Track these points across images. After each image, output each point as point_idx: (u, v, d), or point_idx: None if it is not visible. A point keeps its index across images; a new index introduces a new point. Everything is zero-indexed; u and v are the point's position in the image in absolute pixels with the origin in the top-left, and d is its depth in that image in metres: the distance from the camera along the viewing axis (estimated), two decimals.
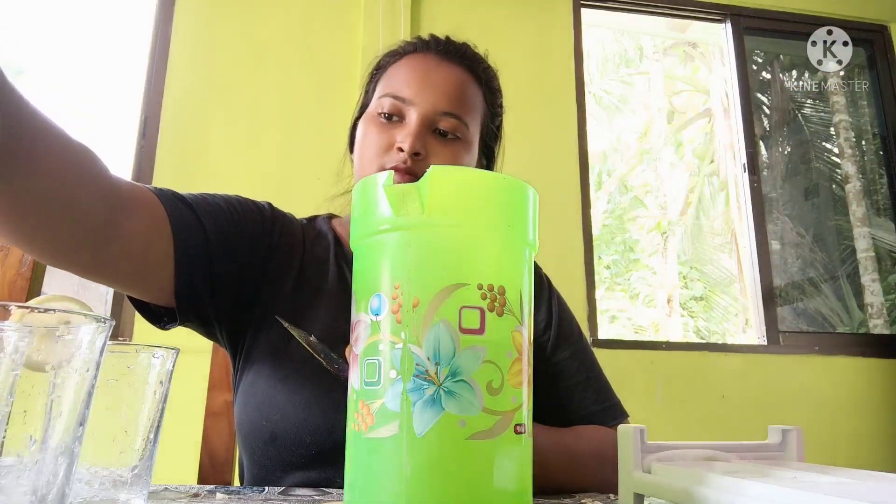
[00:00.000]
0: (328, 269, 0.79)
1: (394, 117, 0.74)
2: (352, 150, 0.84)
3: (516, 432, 0.38)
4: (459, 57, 0.79)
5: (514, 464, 0.38)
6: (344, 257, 0.81)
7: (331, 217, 0.89)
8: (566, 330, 0.84)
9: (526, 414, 0.40)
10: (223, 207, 0.76)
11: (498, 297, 0.40)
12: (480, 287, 0.39)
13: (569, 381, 0.81)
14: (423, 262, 0.39)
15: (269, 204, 0.83)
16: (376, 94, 0.78)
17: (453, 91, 0.75)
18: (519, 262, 0.43)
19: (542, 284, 0.88)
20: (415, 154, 0.71)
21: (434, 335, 0.37)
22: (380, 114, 0.75)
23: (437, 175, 0.40)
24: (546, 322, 0.84)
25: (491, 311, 0.39)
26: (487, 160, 0.86)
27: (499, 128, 0.87)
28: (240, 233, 0.74)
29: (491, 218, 0.41)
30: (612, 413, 0.80)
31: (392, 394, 0.37)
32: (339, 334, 0.72)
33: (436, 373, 0.37)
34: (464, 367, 0.37)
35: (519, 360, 0.40)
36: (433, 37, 0.81)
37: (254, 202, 0.81)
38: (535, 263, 0.88)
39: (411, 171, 0.71)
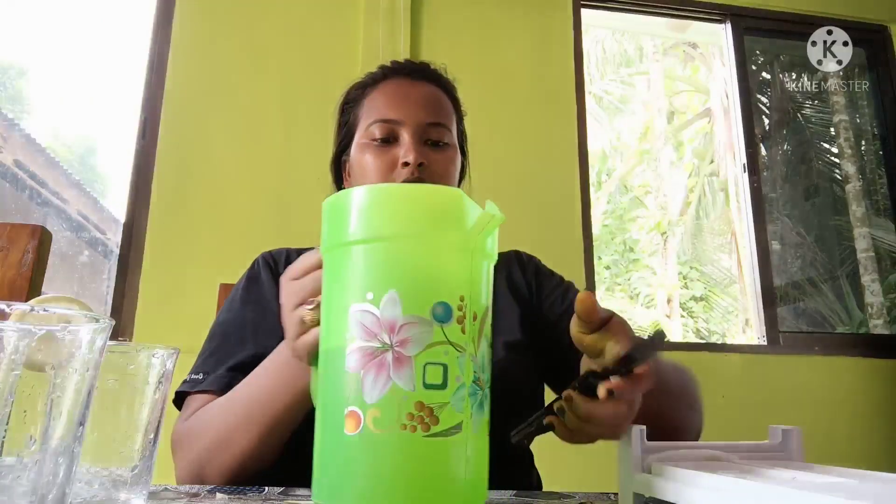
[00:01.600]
0: None
1: (387, 140, 0.81)
2: (338, 184, 0.91)
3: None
4: (426, 75, 0.87)
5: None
6: None
7: None
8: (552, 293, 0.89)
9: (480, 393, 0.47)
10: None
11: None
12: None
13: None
14: (477, 281, 0.43)
15: (261, 266, 0.89)
16: (362, 125, 0.84)
17: (433, 104, 0.84)
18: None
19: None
20: (419, 165, 0.78)
21: (482, 348, 0.43)
22: (373, 140, 0.81)
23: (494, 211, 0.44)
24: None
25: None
26: (463, 157, 0.93)
27: (464, 130, 0.95)
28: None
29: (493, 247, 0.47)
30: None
31: (457, 398, 0.40)
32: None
33: (483, 380, 0.43)
34: (489, 375, 0.44)
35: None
36: (396, 62, 0.89)
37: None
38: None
39: (420, 181, 0.77)
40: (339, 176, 0.91)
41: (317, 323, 0.49)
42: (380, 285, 0.41)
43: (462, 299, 0.41)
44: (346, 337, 0.41)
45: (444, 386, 0.40)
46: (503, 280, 0.90)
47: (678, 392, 0.69)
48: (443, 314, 0.41)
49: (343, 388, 0.40)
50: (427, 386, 0.39)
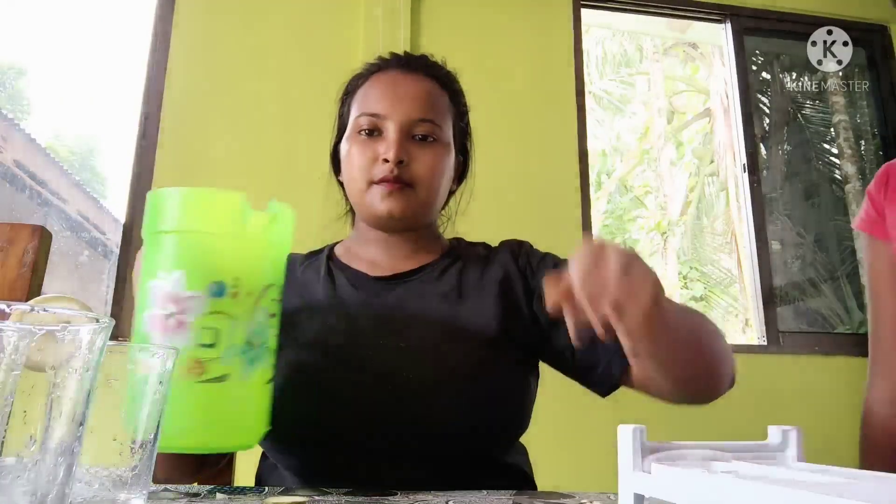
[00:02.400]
0: (318, 285, 0.85)
1: (373, 132, 0.80)
2: (336, 173, 0.92)
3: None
4: (421, 67, 0.85)
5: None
6: (331, 269, 0.86)
7: (337, 242, 0.94)
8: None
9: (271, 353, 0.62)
10: None
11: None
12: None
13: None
14: (254, 265, 0.57)
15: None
16: (352, 116, 0.83)
17: (422, 98, 0.81)
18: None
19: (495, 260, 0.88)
20: (399, 162, 0.77)
21: (259, 317, 0.57)
22: (359, 132, 0.81)
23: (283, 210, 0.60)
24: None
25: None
26: (463, 156, 0.92)
27: (467, 125, 0.92)
28: None
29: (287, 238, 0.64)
30: None
31: (227, 354, 0.54)
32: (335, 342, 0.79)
33: (258, 343, 0.57)
34: (267, 339, 0.59)
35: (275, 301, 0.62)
36: (394, 54, 0.88)
37: None
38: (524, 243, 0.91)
39: (399, 179, 0.78)
40: (337, 165, 0.91)
41: None
42: (170, 266, 0.55)
43: (237, 279, 0.55)
44: (146, 305, 0.55)
45: (213, 345, 0.53)
46: (494, 273, 0.85)
47: (689, 330, 0.69)
48: (217, 290, 0.54)
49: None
50: (202, 345, 0.53)
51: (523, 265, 0.86)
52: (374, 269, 0.85)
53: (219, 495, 0.57)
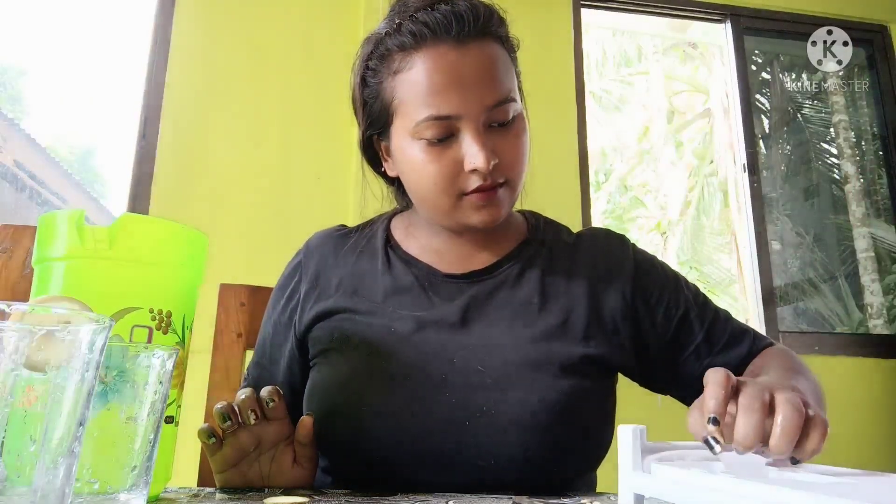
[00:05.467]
0: (377, 280, 0.74)
1: (444, 137, 0.65)
2: (375, 165, 0.78)
3: (166, 422, 0.54)
4: (468, 29, 0.66)
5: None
6: (392, 261, 0.76)
7: (391, 217, 0.82)
8: (657, 314, 0.74)
9: (176, 409, 0.57)
10: (266, 347, 0.80)
11: (165, 319, 0.55)
12: (151, 311, 0.54)
13: (693, 349, 0.73)
14: (107, 288, 0.53)
15: (301, 258, 0.80)
16: (406, 112, 0.66)
17: (492, 76, 0.66)
18: (187, 293, 0.59)
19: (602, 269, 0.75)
20: (491, 168, 0.65)
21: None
22: (428, 140, 0.66)
23: (126, 222, 0.54)
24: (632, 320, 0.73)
25: (158, 329, 0.55)
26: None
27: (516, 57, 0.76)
28: (283, 346, 0.78)
29: (167, 258, 0.56)
30: (756, 340, 0.75)
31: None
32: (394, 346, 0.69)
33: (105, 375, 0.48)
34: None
35: (177, 366, 0.53)
36: (423, 19, 0.66)
37: (283, 290, 0.80)
38: (623, 238, 0.79)
39: (494, 186, 0.66)
40: (374, 156, 0.77)
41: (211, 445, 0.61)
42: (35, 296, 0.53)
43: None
44: None
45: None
46: (583, 272, 0.74)
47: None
48: None
49: None
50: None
51: (632, 277, 0.74)
52: (446, 263, 0.74)
53: (219, 495, 0.57)
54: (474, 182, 0.65)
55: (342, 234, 0.81)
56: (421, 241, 0.76)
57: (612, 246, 0.78)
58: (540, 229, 0.79)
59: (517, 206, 0.78)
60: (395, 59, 0.68)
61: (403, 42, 0.67)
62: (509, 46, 0.72)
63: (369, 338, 0.69)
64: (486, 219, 0.68)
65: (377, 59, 0.70)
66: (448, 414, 0.64)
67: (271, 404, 0.61)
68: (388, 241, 0.78)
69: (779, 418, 0.44)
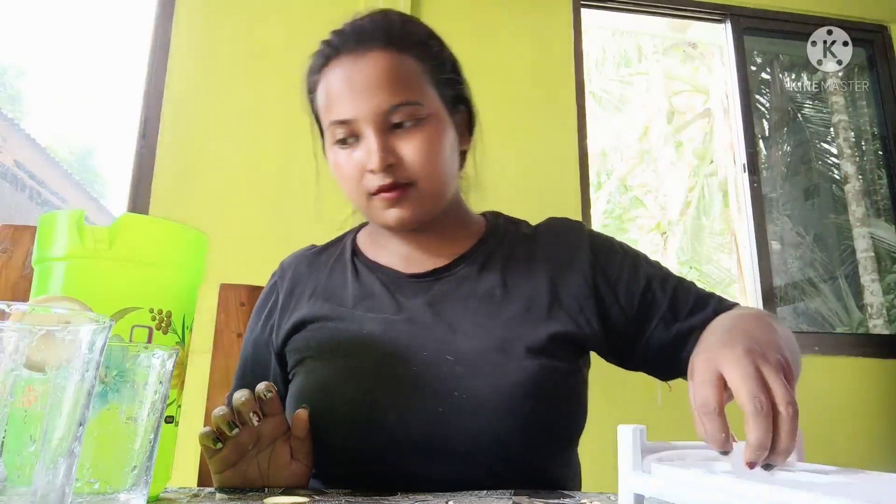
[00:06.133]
0: (347, 289, 0.78)
1: (350, 139, 0.71)
2: None
3: (166, 422, 0.54)
4: (368, 41, 0.72)
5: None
6: (359, 269, 0.80)
7: (359, 229, 0.87)
8: (619, 288, 0.75)
9: (176, 409, 0.57)
10: (248, 366, 0.83)
11: (165, 319, 0.55)
12: (151, 311, 0.54)
13: (659, 322, 0.73)
14: (107, 288, 0.52)
15: (276, 278, 0.85)
16: (323, 122, 0.75)
17: (387, 81, 0.70)
18: (187, 293, 0.59)
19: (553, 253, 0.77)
20: (388, 166, 0.68)
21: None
22: (337, 142, 0.72)
23: (126, 222, 0.54)
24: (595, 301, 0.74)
25: (158, 329, 0.55)
26: (464, 104, 0.80)
27: (453, 69, 0.80)
28: (262, 362, 0.81)
29: (168, 258, 0.56)
30: (721, 302, 0.73)
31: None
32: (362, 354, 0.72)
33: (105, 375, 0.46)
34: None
35: (177, 366, 0.53)
36: (337, 33, 0.76)
37: (257, 318, 0.84)
38: (584, 229, 0.80)
39: (395, 185, 0.69)
40: None
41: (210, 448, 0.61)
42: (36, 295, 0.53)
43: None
44: None
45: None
46: (543, 259, 0.76)
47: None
48: None
49: None
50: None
51: (590, 259, 0.75)
52: (408, 265, 0.77)
53: (219, 495, 0.57)
54: (374, 182, 0.69)
55: (315, 253, 0.86)
56: (383, 248, 0.80)
57: (569, 232, 0.80)
58: (500, 226, 0.82)
59: (484, 208, 0.83)
60: (316, 81, 0.76)
61: (315, 66, 0.77)
62: (424, 56, 0.75)
63: (342, 342, 0.72)
64: (395, 218, 0.71)
65: (309, 87, 0.79)
66: (422, 403, 0.66)
67: (269, 395, 0.62)
68: (355, 251, 0.82)
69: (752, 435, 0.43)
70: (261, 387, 0.62)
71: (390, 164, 0.68)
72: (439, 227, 0.77)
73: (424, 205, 0.72)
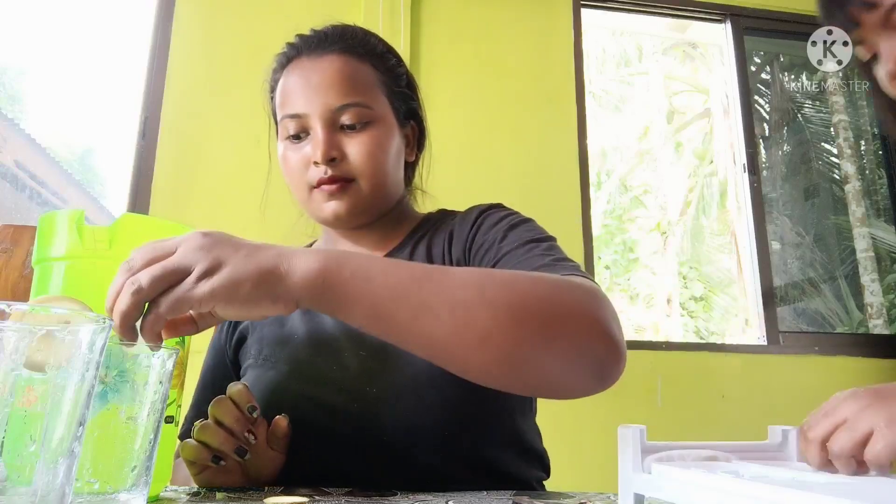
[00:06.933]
0: None
1: (300, 135, 0.74)
2: None
3: (166, 422, 0.52)
4: (330, 45, 0.77)
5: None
6: None
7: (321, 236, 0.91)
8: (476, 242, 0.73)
9: (176, 409, 0.56)
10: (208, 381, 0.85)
11: None
12: None
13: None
14: (107, 288, 0.50)
15: None
16: (278, 118, 0.78)
17: (339, 82, 0.74)
18: None
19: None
20: (331, 160, 0.71)
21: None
22: (288, 137, 0.76)
23: (126, 222, 0.54)
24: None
25: None
26: (415, 120, 0.83)
27: (408, 85, 0.83)
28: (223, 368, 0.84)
29: None
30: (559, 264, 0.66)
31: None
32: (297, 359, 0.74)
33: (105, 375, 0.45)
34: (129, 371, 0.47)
35: (178, 366, 0.53)
36: (300, 36, 0.80)
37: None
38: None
39: (336, 179, 0.72)
40: None
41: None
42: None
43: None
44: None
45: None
46: (450, 242, 0.77)
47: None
48: None
49: None
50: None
51: (472, 223, 0.75)
52: None
53: (219, 495, 0.57)
54: (317, 174, 0.72)
55: None
56: (326, 248, 0.81)
57: (474, 208, 0.79)
58: (433, 218, 0.83)
59: (436, 207, 0.85)
60: (275, 81, 0.80)
61: (276, 66, 0.80)
62: (379, 66, 0.79)
63: (275, 348, 0.75)
64: (332, 211, 0.73)
65: (270, 80, 0.82)
66: (341, 398, 0.68)
67: (255, 413, 0.63)
68: None
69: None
70: (243, 401, 0.62)
71: (333, 157, 0.72)
72: (377, 229, 0.80)
73: (362, 202, 0.74)
